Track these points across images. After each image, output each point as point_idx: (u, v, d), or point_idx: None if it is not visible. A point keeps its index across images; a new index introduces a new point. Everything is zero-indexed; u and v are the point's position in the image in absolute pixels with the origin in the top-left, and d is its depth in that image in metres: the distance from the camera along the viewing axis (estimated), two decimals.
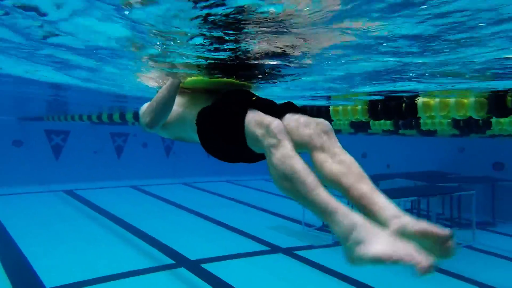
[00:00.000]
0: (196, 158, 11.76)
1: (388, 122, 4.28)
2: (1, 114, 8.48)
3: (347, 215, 0.90)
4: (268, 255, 4.34)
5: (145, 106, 1.65)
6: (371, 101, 3.00)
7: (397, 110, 2.85)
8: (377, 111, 3.03)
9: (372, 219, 0.93)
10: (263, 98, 1.46)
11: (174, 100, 1.53)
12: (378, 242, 0.82)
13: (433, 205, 5.42)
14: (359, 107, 3.19)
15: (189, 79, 1.64)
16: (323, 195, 0.95)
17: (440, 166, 7.29)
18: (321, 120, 1.21)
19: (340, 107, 3.39)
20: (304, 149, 1.19)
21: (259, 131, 1.12)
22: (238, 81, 1.75)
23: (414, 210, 5.99)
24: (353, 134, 7.17)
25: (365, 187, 1.02)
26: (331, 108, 3.45)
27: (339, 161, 1.10)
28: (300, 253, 4.41)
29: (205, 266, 3.94)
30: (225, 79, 1.68)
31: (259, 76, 1.79)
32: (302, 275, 3.80)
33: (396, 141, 7.89)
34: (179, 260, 4.11)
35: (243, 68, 1.60)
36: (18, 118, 9.18)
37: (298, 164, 1.01)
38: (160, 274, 3.73)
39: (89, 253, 4.32)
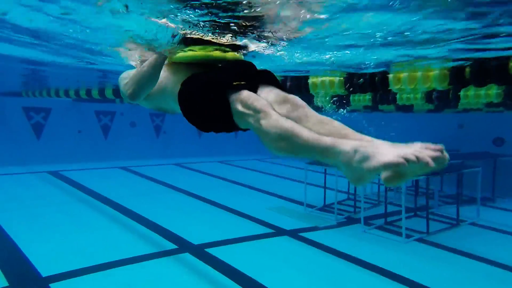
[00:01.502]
0: (187, 138, 11.44)
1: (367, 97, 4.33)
2: None
3: (346, 143, 0.96)
4: (273, 238, 4.25)
5: (127, 74, 1.62)
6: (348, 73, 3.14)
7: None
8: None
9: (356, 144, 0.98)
10: (240, 65, 1.51)
11: (158, 75, 1.51)
12: (384, 153, 0.85)
13: (433, 183, 5.46)
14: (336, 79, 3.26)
15: (176, 55, 1.63)
16: (318, 137, 1.03)
17: (439, 142, 7.32)
18: (292, 95, 1.29)
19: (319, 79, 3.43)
20: None
21: (246, 112, 1.20)
22: (221, 54, 1.73)
23: (412, 188, 6.06)
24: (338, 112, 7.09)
25: (350, 132, 1.09)
26: (309, 81, 3.46)
27: (319, 122, 1.17)
28: (305, 235, 4.34)
29: (210, 250, 3.79)
30: (216, 53, 1.69)
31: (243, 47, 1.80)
32: (309, 257, 3.74)
33: (390, 118, 7.86)
34: (182, 245, 3.95)
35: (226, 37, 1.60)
36: None
37: (288, 123, 1.10)
38: (164, 260, 3.56)
39: (84, 239, 4.07)
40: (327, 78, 3.39)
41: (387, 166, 0.84)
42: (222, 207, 5.58)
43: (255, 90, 1.33)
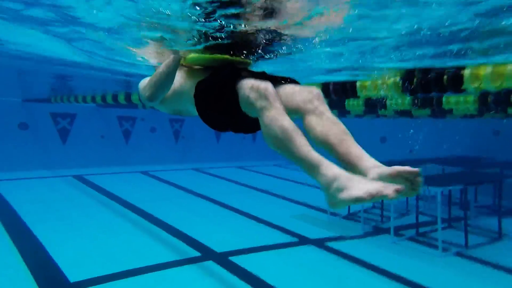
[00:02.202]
0: (205, 143, 11.50)
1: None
2: (6, 95, 8.12)
3: (330, 168, 1.05)
4: (297, 246, 4.12)
5: (145, 81, 1.70)
6: None
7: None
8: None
9: (355, 170, 1.10)
10: (256, 71, 1.56)
11: (174, 75, 1.57)
12: (355, 187, 0.97)
13: (469, 192, 5.11)
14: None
15: (190, 55, 1.69)
16: (309, 152, 1.09)
17: (471, 150, 6.94)
18: (313, 87, 1.33)
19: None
20: (297, 114, 1.30)
21: (252, 95, 1.21)
22: (236, 57, 1.80)
23: (440, 197, 5.71)
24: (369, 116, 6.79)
25: (349, 144, 1.18)
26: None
27: (328, 123, 1.23)
28: (331, 244, 4.18)
29: (234, 259, 3.71)
30: (224, 55, 1.74)
31: (256, 51, 1.85)
32: (336, 268, 3.58)
33: (418, 124, 7.55)
34: (206, 253, 3.89)
35: (240, 44, 1.68)
36: (23, 100, 8.82)
37: (287, 124, 1.13)
38: (188, 268, 3.51)
39: (110, 243, 4.10)
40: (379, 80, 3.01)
41: (356, 200, 0.95)
42: (244, 214, 5.50)
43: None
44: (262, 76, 1.46)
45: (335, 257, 3.82)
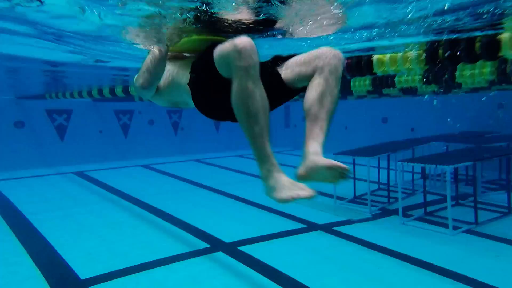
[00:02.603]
0: (204, 134, 11.39)
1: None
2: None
3: (273, 168, 1.19)
4: (306, 233, 4.11)
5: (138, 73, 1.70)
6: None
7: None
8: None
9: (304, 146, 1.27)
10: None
11: (164, 62, 1.58)
12: (282, 191, 1.15)
13: (472, 168, 5.03)
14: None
15: (178, 43, 1.67)
16: (264, 143, 1.18)
17: (475, 125, 6.87)
18: (337, 51, 1.36)
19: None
20: (312, 72, 1.35)
21: (228, 52, 1.17)
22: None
23: (450, 175, 5.67)
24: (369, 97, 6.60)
25: (318, 124, 1.28)
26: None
27: (321, 95, 1.31)
28: (340, 229, 4.17)
29: (243, 248, 3.70)
30: (215, 37, 1.69)
31: (247, 30, 1.79)
32: (346, 252, 3.58)
33: (419, 103, 7.45)
34: (215, 244, 3.87)
35: (228, 23, 1.65)
36: (17, 98, 8.63)
37: (256, 104, 1.16)
38: (198, 259, 3.49)
39: (118, 239, 4.07)
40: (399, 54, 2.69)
41: (281, 201, 1.15)
42: (249, 203, 5.48)
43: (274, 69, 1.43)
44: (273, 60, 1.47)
45: (344, 241, 3.82)
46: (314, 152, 1.25)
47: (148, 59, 1.59)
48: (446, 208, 4.54)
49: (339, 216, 4.63)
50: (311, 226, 4.30)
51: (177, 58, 1.70)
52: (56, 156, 8.97)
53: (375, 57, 2.73)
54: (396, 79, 3.95)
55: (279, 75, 1.44)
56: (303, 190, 1.14)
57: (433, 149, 5.56)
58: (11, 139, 8.54)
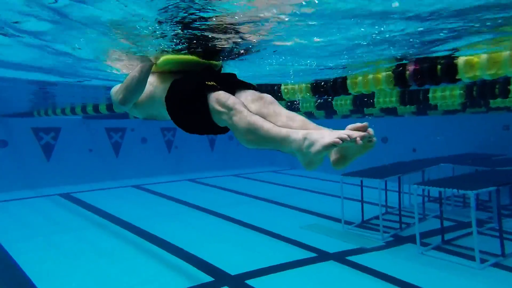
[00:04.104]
0: (199, 152, 11.05)
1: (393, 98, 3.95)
2: None
3: (297, 132, 1.20)
4: (318, 263, 3.78)
5: (116, 86, 1.76)
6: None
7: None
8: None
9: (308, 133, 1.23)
10: (222, 74, 1.73)
11: (145, 80, 1.63)
12: (325, 137, 1.11)
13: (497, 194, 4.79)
14: None
15: (161, 59, 1.74)
16: (278, 129, 1.24)
17: (479, 147, 6.79)
18: (265, 94, 1.48)
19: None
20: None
21: (222, 109, 1.35)
22: (205, 60, 1.85)
23: (459, 199, 5.40)
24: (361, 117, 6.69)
25: (307, 124, 1.32)
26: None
27: (288, 117, 1.37)
28: (353, 258, 3.87)
29: (251, 282, 3.34)
30: (193, 57, 1.82)
31: (224, 53, 1.92)
32: (362, 285, 3.27)
33: (421, 123, 7.40)
34: (219, 277, 3.50)
35: (208, 46, 1.75)
36: (0, 116, 8.16)
37: (253, 117, 1.29)
38: None
39: (108, 271, 3.65)
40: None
41: (327, 146, 1.08)
42: (251, 227, 5.14)
43: (232, 92, 1.49)
44: (229, 81, 1.59)
45: (360, 273, 3.50)
46: (328, 132, 1.17)
47: (130, 77, 1.63)
48: (464, 236, 4.31)
49: (349, 243, 4.33)
50: (322, 255, 3.98)
51: (156, 73, 1.76)
52: (41, 177, 8.43)
53: (349, 79, 2.94)
54: (375, 99, 4.06)
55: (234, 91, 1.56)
56: (352, 132, 1.10)
57: (444, 171, 5.41)
58: None
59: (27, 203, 7.03)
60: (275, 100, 1.46)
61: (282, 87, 3.58)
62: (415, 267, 3.58)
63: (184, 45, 1.73)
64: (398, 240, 4.40)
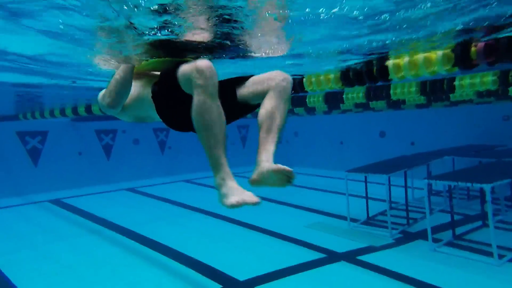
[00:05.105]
0: (193, 152, 10.76)
1: (360, 94, 3.97)
2: None
3: (227, 175, 1.33)
4: (329, 264, 3.65)
5: (103, 91, 1.76)
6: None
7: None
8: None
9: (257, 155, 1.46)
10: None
11: (130, 81, 1.64)
12: (231, 197, 1.27)
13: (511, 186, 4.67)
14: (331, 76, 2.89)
15: (142, 63, 1.78)
16: (220, 154, 1.33)
17: (480, 138, 6.79)
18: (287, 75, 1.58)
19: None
20: (265, 91, 1.56)
21: (191, 73, 1.35)
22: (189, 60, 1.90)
23: (464, 192, 5.32)
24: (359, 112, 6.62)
25: (270, 137, 1.48)
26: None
27: (272, 112, 1.51)
28: (363, 258, 3.76)
29: None
30: (175, 59, 1.80)
31: (206, 52, 1.90)
32: (377, 287, 3.15)
33: (418, 115, 7.37)
34: (228, 284, 3.32)
35: (189, 46, 1.74)
36: None
37: (214, 115, 1.32)
38: None
39: (106, 283, 3.41)
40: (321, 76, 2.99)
41: (230, 206, 1.27)
42: (254, 228, 4.97)
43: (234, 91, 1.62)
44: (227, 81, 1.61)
45: (372, 274, 3.38)
46: (266, 159, 1.41)
47: (114, 79, 1.64)
48: (475, 230, 4.24)
49: (357, 242, 4.22)
50: (332, 256, 3.85)
51: (141, 74, 1.78)
52: (29, 184, 8.02)
53: (305, 79, 3.01)
54: (344, 96, 4.11)
55: (234, 93, 1.61)
56: (250, 197, 1.25)
57: (448, 164, 5.36)
58: None
59: (14, 211, 6.66)
60: (291, 84, 1.55)
61: (305, 79, 3.19)
62: (429, 265, 3.48)
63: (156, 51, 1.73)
64: (407, 237, 4.31)
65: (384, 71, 2.39)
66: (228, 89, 1.61)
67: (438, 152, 5.81)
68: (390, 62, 2.35)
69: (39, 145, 8.46)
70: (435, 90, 3.10)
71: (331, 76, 2.75)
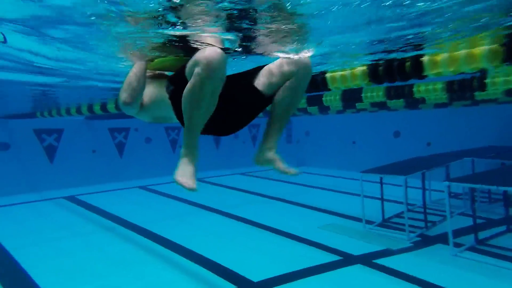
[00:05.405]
0: (204, 150, 10.70)
1: (380, 92, 3.77)
2: None
3: (193, 157, 1.50)
4: (345, 267, 3.57)
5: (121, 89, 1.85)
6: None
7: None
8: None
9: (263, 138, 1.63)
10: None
11: (143, 78, 1.69)
12: (181, 175, 1.44)
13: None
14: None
15: (156, 60, 1.80)
16: (197, 137, 1.48)
17: (500, 140, 6.52)
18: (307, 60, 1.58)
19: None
20: (286, 76, 1.55)
21: (199, 61, 1.33)
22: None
23: (485, 195, 5.15)
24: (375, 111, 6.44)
25: (277, 125, 1.60)
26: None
27: (286, 102, 1.57)
28: (381, 261, 3.66)
29: None
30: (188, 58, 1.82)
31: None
32: None
33: (434, 115, 7.16)
34: (242, 285, 3.29)
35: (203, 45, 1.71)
36: (1, 117, 7.92)
37: (204, 108, 1.39)
38: None
39: (126, 280, 3.43)
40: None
41: (175, 181, 1.43)
42: (266, 228, 4.93)
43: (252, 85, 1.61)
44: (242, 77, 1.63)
45: (392, 279, 3.26)
46: (269, 147, 1.58)
47: (130, 74, 1.70)
48: (499, 235, 4.06)
49: (373, 244, 4.12)
50: (348, 259, 3.76)
51: (159, 76, 1.84)
52: (45, 180, 8.20)
53: (328, 74, 2.86)
54: (362, 94, 3.95)
55: (254, 87, 1.60)
56: (190, 184, 1.40)
57: (467, 165, 5.18)
58: None
59: (32, 207, 6.81)
60: (310, 72, 1.56)
61: (328, 75, 3.02)
62: (451, 271, 3.35)
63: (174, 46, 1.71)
64: (425, 240, 4.18)
65: (418, 67, 2.23)
66: (243, 82, 1.60)
67: (456, 153, 5.62)
68: (425, 58, 2.20)
69: (55, 142, 8.63)
70: (464, 88, 2.93)
71: (358, 72, 2.60)
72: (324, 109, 6.08)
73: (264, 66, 1.61)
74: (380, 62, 2.40)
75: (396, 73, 2.35)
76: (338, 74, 2.77)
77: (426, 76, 2.30)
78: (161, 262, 3.92)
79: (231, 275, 3.48)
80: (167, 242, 4.51)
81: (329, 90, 3.06)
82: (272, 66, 1.57)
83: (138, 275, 3.56)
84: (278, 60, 1.58)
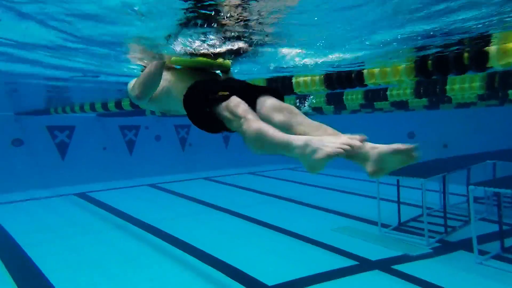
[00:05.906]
0: (213, 150, 10.77)
1: (407, 90, 3.57)
2: None
3: (299, 138, 1.28)
4: (362, 273, 3.44)
5: (132, 81, 1.88)
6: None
7: None
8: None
9: (356, 152, 1.26)
10: (235, 81, 1.80)
11: (160, 76, 1.73)
12: (327, 146, 1.20)
13: None
14: None
15: (173, 58, 1.86)
16: (282, 135, 1.32)
17: (501, 140, 6.27)
18: (286, 104, 1.56)
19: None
20: (282, 128, 1.46)
21: (231, 117, 1.47)
22: (216, 61, 1.95)
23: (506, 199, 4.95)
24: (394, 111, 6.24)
25: (330, 131, 1.42)
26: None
27: (311, 126, 1.44)
28: (399, 267, 3.51)
29: None
30: (203, 58, 1.90)
31: (236, 52, 1.94)
32: None
33: (450, 116, 6.93)
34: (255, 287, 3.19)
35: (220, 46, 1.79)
36: (15, 114, 8.01)
37: (259, 125, 1.37)
38: None
39: (138, 279, 3.38)
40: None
41: (330, 156, 1.17)
42: (278, 229, 4.82)
43: (255, 98, 1.60)
44: (241, 87, 1.62)
45: (413, 286, 3.13)
46: (372, 146, 1.26)
47: (145, 73, 1.71)
48: None
49: (391, 249, 3.97)
50: (364, 264, 3.63)
51: (172, 69, 1.84)
52: (57, 176, 8.27)
53: (366, 70, 2.70)
54: (388, 92, 3.80)
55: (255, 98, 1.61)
56: (352, 138, 1.20)
57: (489, 168, 4.97)
58: (8, 158, 7.85)
59: (43, 203, 6.86)
60: (297, 109, 1.52)
61: (294, 80, 3.15)
62: (476, 280, 3.18)
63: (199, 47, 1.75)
64: (446, 247, 4.01)
65: (482, 58, 1.99)
66: (253, 90, 1.63)
67: (478, 156, 5.40)
68: (492, 48, 1.97)
69: (67, 139, 8.70)
70: (506, 84, 2.67)
71: (401, 66, 2.37)
72: (339, 109, 5.92)
73: (273, 92, 1.62)
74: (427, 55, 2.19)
75: (452, 66, 2.11)
76: (376, 70, 2.58)
77: (490, 67, 2.05)
78: (173, 261, 3.86)
79: (243, 277, 3.39)
80: (179, 242, 4.45)
81: (365, 85, 2.87)
82: (274, 104, 1.55)
83: (151, 274, 3.51)
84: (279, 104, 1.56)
